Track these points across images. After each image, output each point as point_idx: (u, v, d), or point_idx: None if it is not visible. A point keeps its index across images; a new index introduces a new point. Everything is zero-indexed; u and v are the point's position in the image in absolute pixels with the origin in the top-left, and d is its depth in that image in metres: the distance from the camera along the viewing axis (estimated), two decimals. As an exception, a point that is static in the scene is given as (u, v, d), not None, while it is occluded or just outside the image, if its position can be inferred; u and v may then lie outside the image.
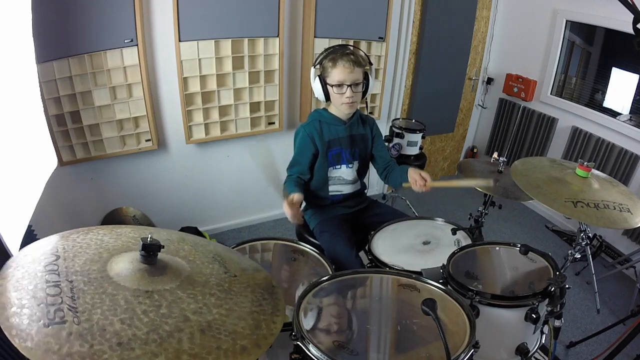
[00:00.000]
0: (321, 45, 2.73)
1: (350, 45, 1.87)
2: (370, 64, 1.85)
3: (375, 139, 1.99)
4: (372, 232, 1.81)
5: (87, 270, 0.86)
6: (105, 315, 0.76)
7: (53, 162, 2.22)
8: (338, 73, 1.72)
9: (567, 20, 3.25)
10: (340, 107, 1.80)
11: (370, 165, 2.07)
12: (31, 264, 0.85)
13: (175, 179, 2.86)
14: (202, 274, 1.00)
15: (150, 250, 0.90)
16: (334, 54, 1.74)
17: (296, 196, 1.63)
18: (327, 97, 1.79)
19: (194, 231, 2.82)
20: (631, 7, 1.11)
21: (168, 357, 0.73)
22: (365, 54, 1.86)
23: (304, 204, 2.01)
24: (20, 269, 0.83)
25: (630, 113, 3.02)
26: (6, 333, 0.68)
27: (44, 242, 0.95)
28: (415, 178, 1.71)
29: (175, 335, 0.77)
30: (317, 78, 1.77)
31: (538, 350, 1.44)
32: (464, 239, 1.75)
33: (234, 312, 0.90)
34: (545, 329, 1.45)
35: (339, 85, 1.73)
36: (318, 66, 1.77)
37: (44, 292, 0.77)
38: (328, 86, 1.76)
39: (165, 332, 0.77)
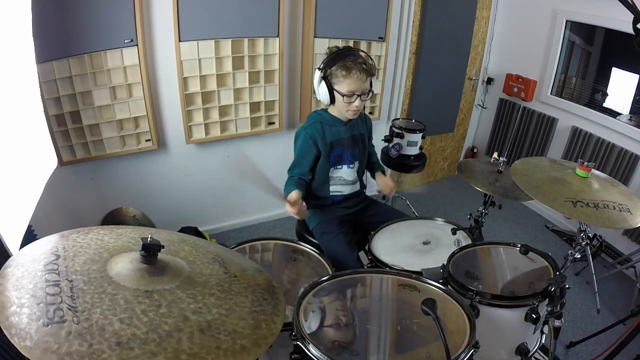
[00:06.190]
0: (321, 45, 2.73)
1: (359, 50, 1.73)
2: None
3: (369, 139, 2.02)
4: (372, 232, 1.81)
5: (87, 270, 0.86)
6: (105, 314, 0.76)
7: (53, 162, 2.22)
8: (350, 84, 1.66)
9: (567, 20, 3.25)
10: (346, 113, 1.79)
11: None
12: (31, 263, 0.85)
13: (175, 179, 2.85)
14: (202, 274, 0.99)
15: (150, 250, 0.90)
16: (345, 61, 1.65)
17: (293, 194, 1.64)
18: (332, 100, 1.75)
19: (194, 231, 2.82)
20: (631, 7, 1.11)
21: (167, 356, 0.73)
22: (371, 59, 1.76)
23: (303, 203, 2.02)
24: (20, 267, 0.83)
25: (630, 113, 3.02)
26: (5, 332, 0.68)
27: (44, 241, 0.95)
28: (385, 184, 1.98)
29: (175, 335, 0.77)
30: (323, 82, 1.70)
31: (538, 350, 1.44)
32: (464, 239, 1.75)
33: (234, 312, 0.90)
34: (545, 329, 1.45)
35: (349, 95, 1.70)
36: (326, 71, 1.68)
37: (44, 292, 0.77)
38: (335, 92, 1.71)
39: (165, 331, 0.77)
